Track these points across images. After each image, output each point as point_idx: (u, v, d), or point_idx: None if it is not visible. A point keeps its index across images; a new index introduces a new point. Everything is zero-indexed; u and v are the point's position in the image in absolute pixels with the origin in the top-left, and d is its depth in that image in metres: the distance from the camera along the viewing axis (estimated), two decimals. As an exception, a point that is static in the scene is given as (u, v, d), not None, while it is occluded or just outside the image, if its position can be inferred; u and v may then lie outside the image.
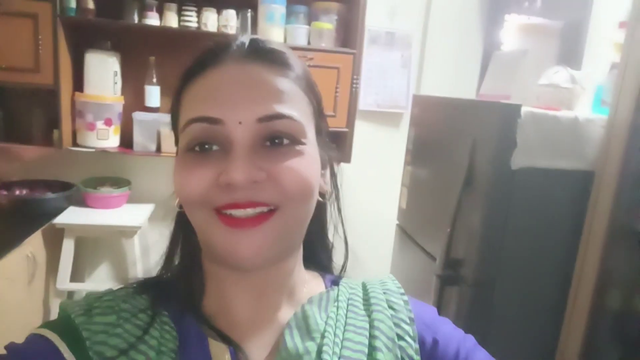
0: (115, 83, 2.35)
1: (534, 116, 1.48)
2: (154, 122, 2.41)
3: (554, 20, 2.46)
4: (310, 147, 0.48)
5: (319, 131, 0.51)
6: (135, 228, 2.31)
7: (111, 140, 2.38)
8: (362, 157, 2.71)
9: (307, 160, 0.47)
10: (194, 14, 2.28)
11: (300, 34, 2.44)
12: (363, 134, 2.73)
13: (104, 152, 2.38)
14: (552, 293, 1.63)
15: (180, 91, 0.49)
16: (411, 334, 0.50)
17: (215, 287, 0.52)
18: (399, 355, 0.48)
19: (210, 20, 2.28)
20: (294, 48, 2.35)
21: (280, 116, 0.45)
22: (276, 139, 0.45)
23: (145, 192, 2.56)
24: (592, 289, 1.57)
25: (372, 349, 0.48)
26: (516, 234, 1.54)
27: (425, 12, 2.75)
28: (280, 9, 2.36)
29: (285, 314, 0.51)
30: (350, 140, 2.58)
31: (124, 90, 2.43)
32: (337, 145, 2.64)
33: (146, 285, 0.52)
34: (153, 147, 2.44)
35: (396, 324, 0.51)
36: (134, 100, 2.47)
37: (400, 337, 0.50)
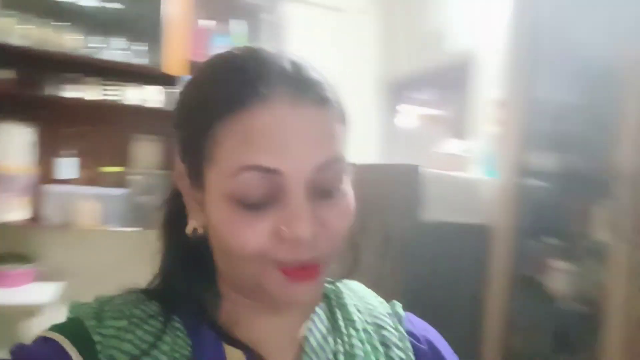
0: (28, 154, 2.27)
1: (434, 176, 1.70)
2: (67, 195, 2.33)
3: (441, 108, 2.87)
4: (348, 182, 0.47)
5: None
6: (40, 307, 2.13)
7: (16, 212, 2.25)
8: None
9: (350, 204, 0.47)
10: (116, 87, 2.33)
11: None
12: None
13: (3, 226, 2.23)
14: (464, 339, 1.75)
15: (212, 122, 0.43)
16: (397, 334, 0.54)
17: (232, 307, 0.51)
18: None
19: (135, 94, 2.34)
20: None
21: (333, 160, 0.44)
22: (328, 188, 0.45)
23: (56, 269, 2.40)
24: (500, 333, 1.72)
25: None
26: (430, 281, 1.69)
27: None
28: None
29: (302, 320, 0.53)
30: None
31: (41, 162, 2.36)
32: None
33: (157, 292, 0.51)
34: (65, 221, 2.33)
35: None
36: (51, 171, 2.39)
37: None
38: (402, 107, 3.08)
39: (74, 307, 0.49)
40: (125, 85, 2.34)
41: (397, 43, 2.86)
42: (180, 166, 0.49)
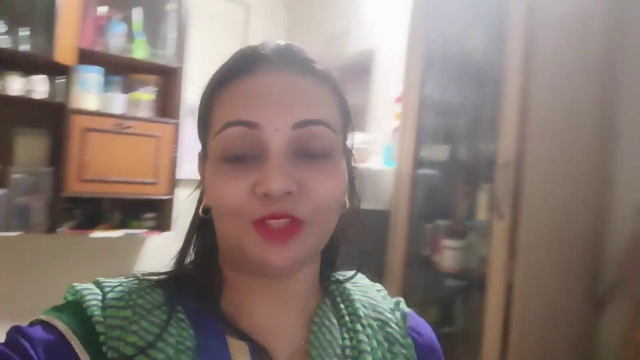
0: None
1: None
2: None
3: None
4: (339, 158, 0.49)
5: (344, 138, 0.53)
6: None
7: None
8: (182, 223, 2.73)
9: (337, 174, 0.48)
10: (-4, 76, 2.12)
11: (117, 102, 2.45)
12: (183, 202, 2.77)
13: None
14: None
15: (212, 96, 0.49)
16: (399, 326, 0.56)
17: (234, 292, 0.51)
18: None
19: (16, 84, 2.15)
20: (111, 116, 2.37)
21: (315, 122, 0.46)
22: (310, 150, 0.46)
23: None
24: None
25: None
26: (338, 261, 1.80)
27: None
28: (95, 78, 2.35)
29: (304, 315, 0.53)
30: (171, 208, 2.61)
31: None
32: (158, 213, 2.64)
33: (159, 281, 0.51)
34: None
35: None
36: None
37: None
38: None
39: (76, 290, 0.48)
40: (7, 74, 2.13)
41: (301, 39, 2.95)
42: (199, 153, 0.54)
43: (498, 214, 1.51)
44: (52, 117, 2.30)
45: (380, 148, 2.13)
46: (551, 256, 1.59)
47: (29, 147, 2.34)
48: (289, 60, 0.48)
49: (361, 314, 0.54)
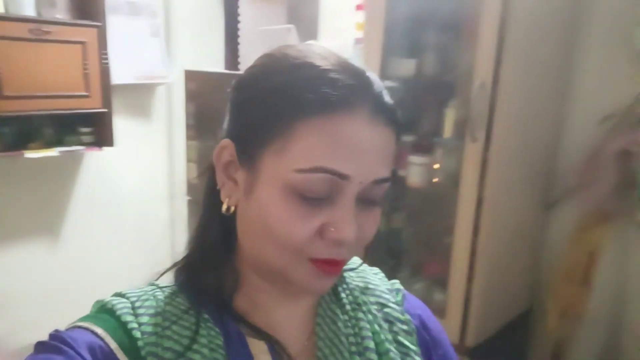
0: None
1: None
2: None
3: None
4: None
5: None
6: None
7: None
8: (126, 136, 2.56)
9: (380, 211, 0.50)
10: None
11: (26, 2, 2.07)
12: (121, 111, 2.55)
13: None
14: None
15: (293, 118, 0.45)
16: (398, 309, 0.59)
17: (249, 289, 0.53)
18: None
19: None
20: (22, 20, 2.01)
21: (388, 179, 0.48)
22: (372, 199, 0.48)
23: None
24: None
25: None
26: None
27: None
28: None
29: (310, 306, 0.56)
30: (110, 120, 2.40)
31: None
32: (96, 127, 2.42)
33: (179, 287, 0.53)
34: None
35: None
36: None
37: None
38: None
39: (102, 303, 0.49)
40: None
41: None
42: (226, 142, 0.50)
43: (472, 137, 1.55)
44: None
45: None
46: (516, 168, 1.68)
47: None
48: (382, 107, 0.47)
49: (360, 301, 0.57)
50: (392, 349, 0.54)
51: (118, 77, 2.50)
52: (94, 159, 2.51)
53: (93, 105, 2.32)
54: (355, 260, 0.63)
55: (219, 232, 0.53)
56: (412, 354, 0.56)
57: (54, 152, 2.29)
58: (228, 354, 0.48)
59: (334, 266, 0.48)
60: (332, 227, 0.45)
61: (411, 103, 1.85)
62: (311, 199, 0.45)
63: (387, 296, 0.59)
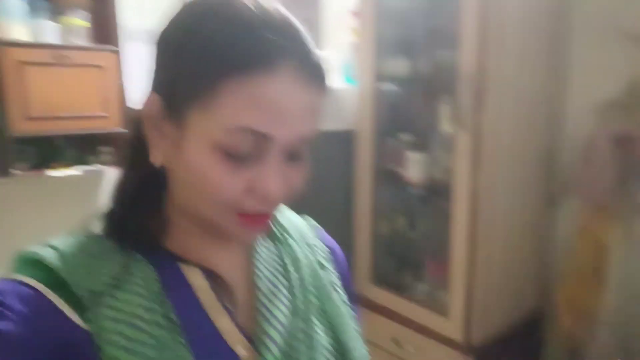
0: None
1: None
2: None
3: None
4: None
5: None
6: None
7: None
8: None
9: (307, 164, 0.52)
10: None
11: (48, 30, 2.24)
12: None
13: None
14: (340, 228, 2.00)
15: (217, 75, 0.44)
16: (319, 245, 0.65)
17: (179, 234, 0.54)
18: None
19: None
20: (46, 47, 2.18)
21: (313, 135, 0.49)
22: (297, 154, 0.49)
23: None
24: (369, 220, 1.99)
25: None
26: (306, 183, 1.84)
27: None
28: (17, 3, 2.12)
29: (245, 246, 0.59)
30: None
31: None
32: (115, 147, 2.53)
33: (106, 232, 0.53)
34: None
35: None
36: None
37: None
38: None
39: (23, 253, 0.48)
40: None
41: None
42: (154, 96, 0.49)
43: (461, 126, 1.55)
44: None
45: (338, 66, 2.07)
46: (512, 161, 1.67)
47: (-41, 89, 2.15)
48: (309, 67, 0.47)
49: (299, 256, 0.61)
50: (318, 268, 0.62)
51: (133, 100, 2.63)
52: (114, 178, 2.61)
53: (112, 126, 2.45)
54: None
55: (139, 184, 0.53)
56: (333, 277, 0.63)
57: (77, 170, 2.41)
58: (163, 283, 0.49)
59: (260, 220, 0.50)
60: (258, 183, 0.47)
61: (407, 101, 1.86)
62: (238, 157, 0.46)
63: (311, 235, 0.66)
